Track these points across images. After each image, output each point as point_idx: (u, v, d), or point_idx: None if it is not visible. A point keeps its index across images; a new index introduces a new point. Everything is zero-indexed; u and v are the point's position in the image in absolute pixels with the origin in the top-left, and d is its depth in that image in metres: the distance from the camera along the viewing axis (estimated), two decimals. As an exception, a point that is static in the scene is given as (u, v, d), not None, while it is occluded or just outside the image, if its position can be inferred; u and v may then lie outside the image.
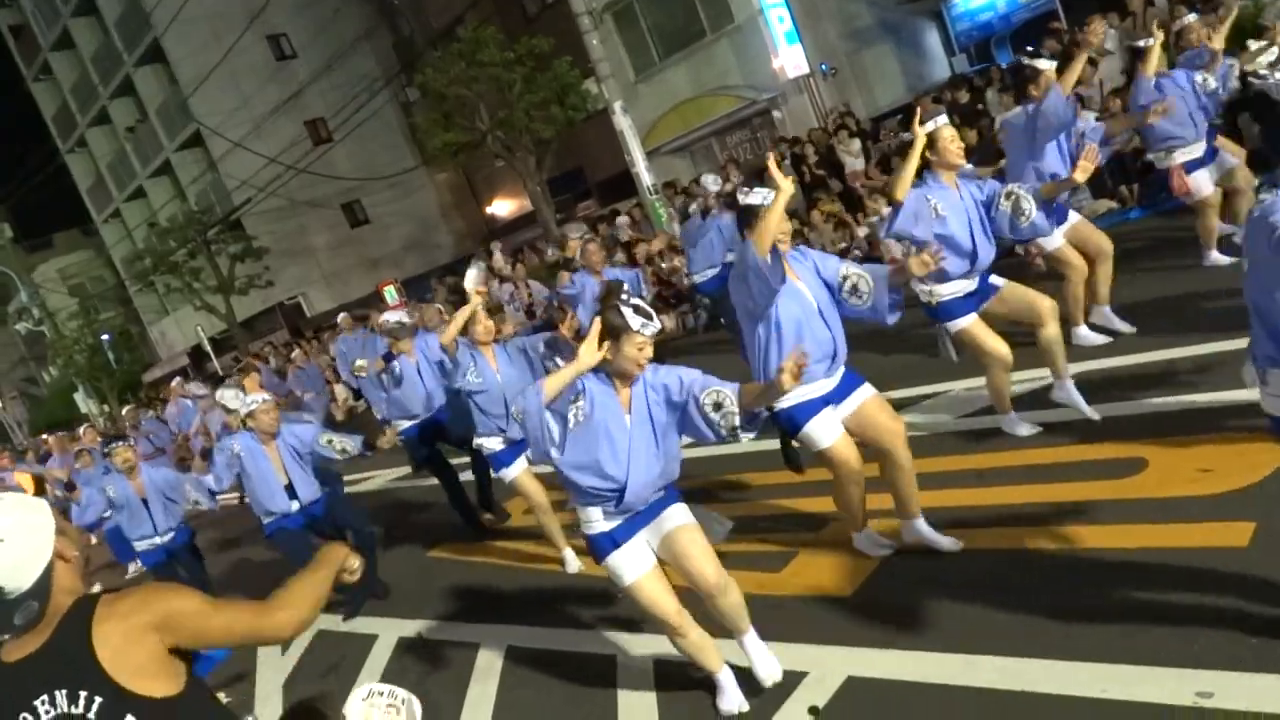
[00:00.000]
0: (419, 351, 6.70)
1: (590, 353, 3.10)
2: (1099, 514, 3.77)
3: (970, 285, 4.63)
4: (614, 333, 3.12)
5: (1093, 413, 4.68)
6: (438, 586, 6.09)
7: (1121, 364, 5.22)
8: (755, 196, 3.86)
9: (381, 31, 29.69)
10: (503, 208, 30.75)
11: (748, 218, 3.84)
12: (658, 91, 20.73)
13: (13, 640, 2.04)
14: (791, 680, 3.45)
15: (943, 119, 4.58)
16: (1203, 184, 6.08)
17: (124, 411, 18.46)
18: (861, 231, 10.58)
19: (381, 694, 3.92)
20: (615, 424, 3.16)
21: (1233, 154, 6.29)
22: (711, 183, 8.96)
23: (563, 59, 18.60)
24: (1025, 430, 4.79)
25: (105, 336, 34.83)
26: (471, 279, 5.87)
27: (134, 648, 1.99)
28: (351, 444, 5.77)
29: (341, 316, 13.64)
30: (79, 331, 34.24)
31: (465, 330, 5.52)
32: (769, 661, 3.44)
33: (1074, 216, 5.66)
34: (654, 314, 3.17)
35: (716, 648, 3.44)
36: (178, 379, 15.31)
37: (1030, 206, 4.40)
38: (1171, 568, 3.26)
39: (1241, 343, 4.81)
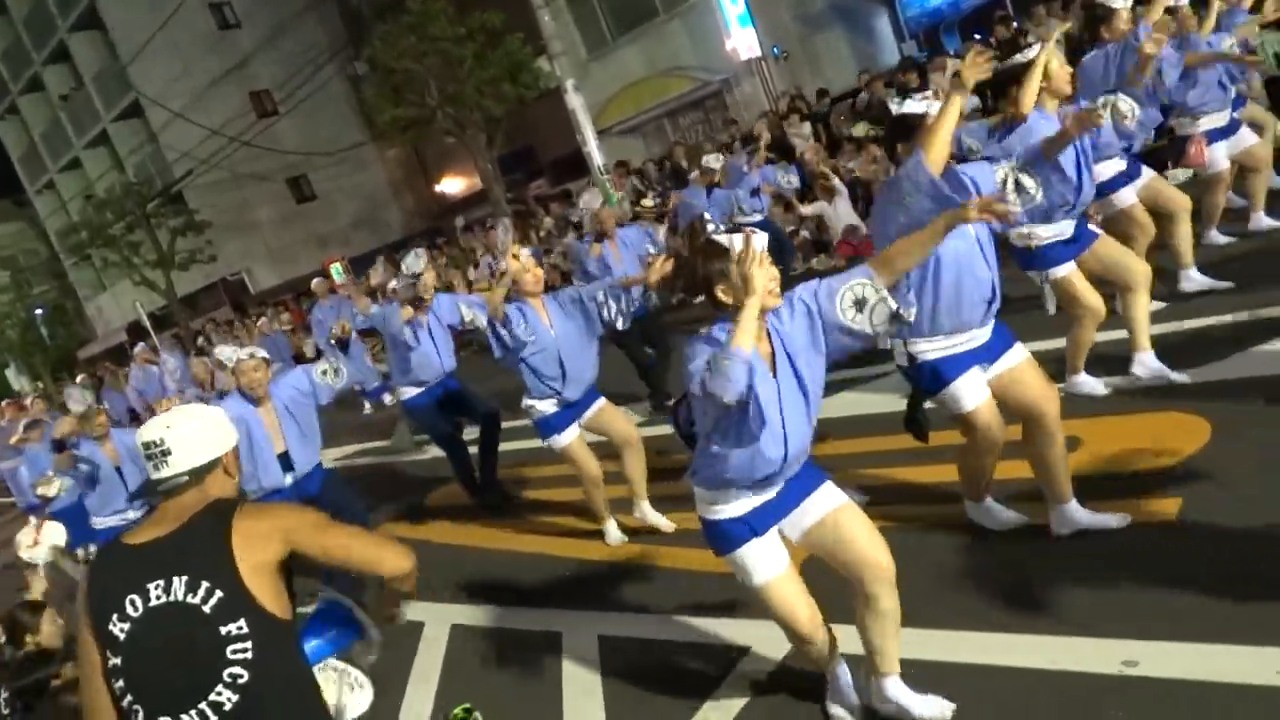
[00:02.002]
0: (430, 312, 6.33)
1: (758, 278, 2.38)
2: (1034, 490, 3.85)
3: (1069, 229, 4.34)
4: (720, 275, 2.55)
5: (1179, 376, 4.40)
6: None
7: (1054, 346, 5.33)
8: (915, 104, 3.32)
9: (329, 2, 29.05)
10: (453, 185, 30.41)
11: (902, 133, 3.32)
12: (610, 71, 20.62)
13: (143, 524, 2.10)
14: (734, 655, 3.50)
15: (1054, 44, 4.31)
16: (1219, 157, 5.88)
17: (78, 380, 18.11)
18: (806, 211, 10.67)
19: (336, 670, 3.92)
20: (765, 389, 2.50)
21: (1260, 121, 6.22)
22: (714, 160, 9.13)
23: (514, 35, 18.39)
24: (1099, 389, 4.52)
25: (38, 311, 33.81)
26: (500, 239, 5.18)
27: (263, 553, 2.02)
28: (340, 362, 5.09)
29: (315, 281, 13.01)
30: (10, 306, 33.17)
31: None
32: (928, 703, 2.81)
33: (1148, 173, 5.39)
34: (747, 230, 2.58)
35: (836, 643, 2.92)
36: (141, 344, 14.81)
37: (1130, 106, 4.16)
38: (1101, 540, 3.35)
39: (1181, 324, 4.98)
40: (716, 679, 3.39)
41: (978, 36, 13.34)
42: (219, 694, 1.93)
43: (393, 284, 6.54)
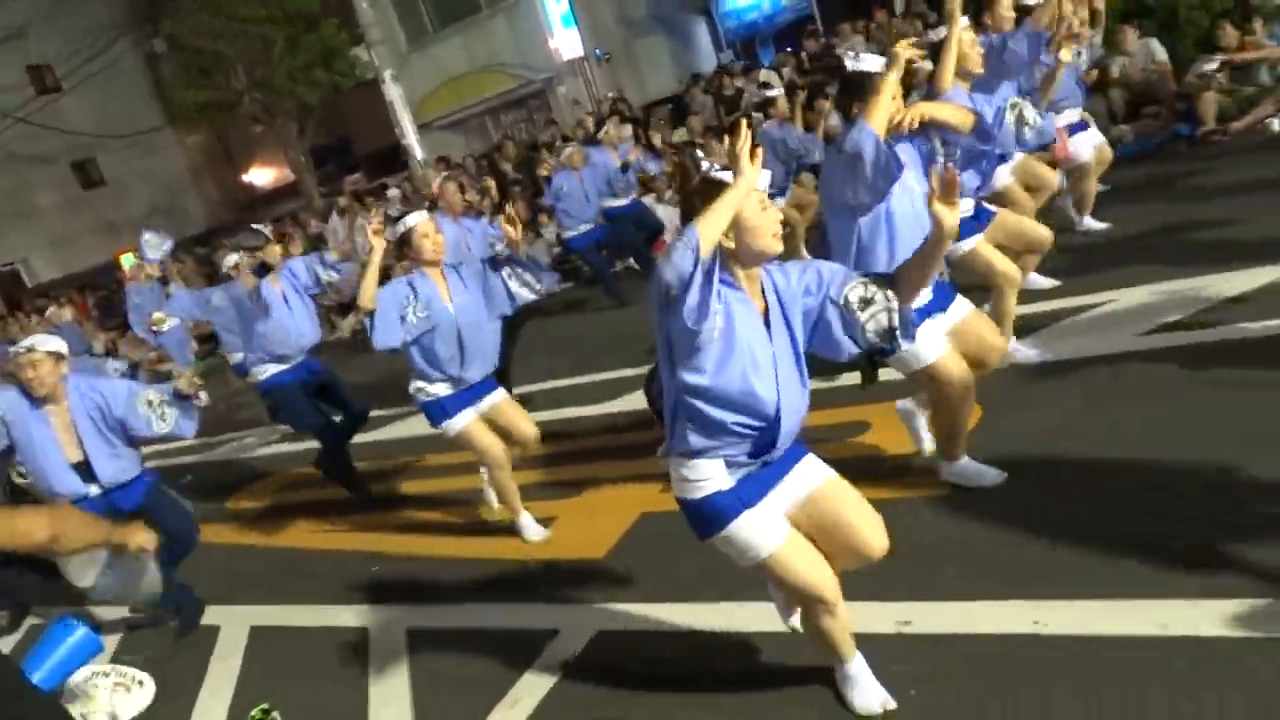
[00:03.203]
0: (284, 278, 5.76)
1: (752, 168, 2.19)
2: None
3: (970, 208, 4.36)
4: None
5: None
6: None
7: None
8: (869, 61, 3.28)
9: (121, -28, 26.89)
10: (262, 176, 28.88)
11: (856, 90, 3.28)
12: (431, 64, 20.19)
13: None
14: (543, 638, 3.52)
15: (965, 21, 4.29)
16: (1082, 148, 6.07)
17: None
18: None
19: (108, 674, 3.63)
20: (758, 340, 2.37)
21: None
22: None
23: (329, 21, 17.70)
24: (1036, 356, 4.53)
25: None
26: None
27: None
28: (169, 404, 4.38)
29: (131, 264, 11.04)
30: None
31: (406, 256, 4.40)
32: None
33: (1018, 155, 5.37)
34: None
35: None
36: None
37: (1034, 114, 4.18)
38: (887, 515, 3.60)
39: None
40: (526, 663, 3.40)
41: (790, 49, 14.00)
42: None
43: (232, 259, 6.05)
